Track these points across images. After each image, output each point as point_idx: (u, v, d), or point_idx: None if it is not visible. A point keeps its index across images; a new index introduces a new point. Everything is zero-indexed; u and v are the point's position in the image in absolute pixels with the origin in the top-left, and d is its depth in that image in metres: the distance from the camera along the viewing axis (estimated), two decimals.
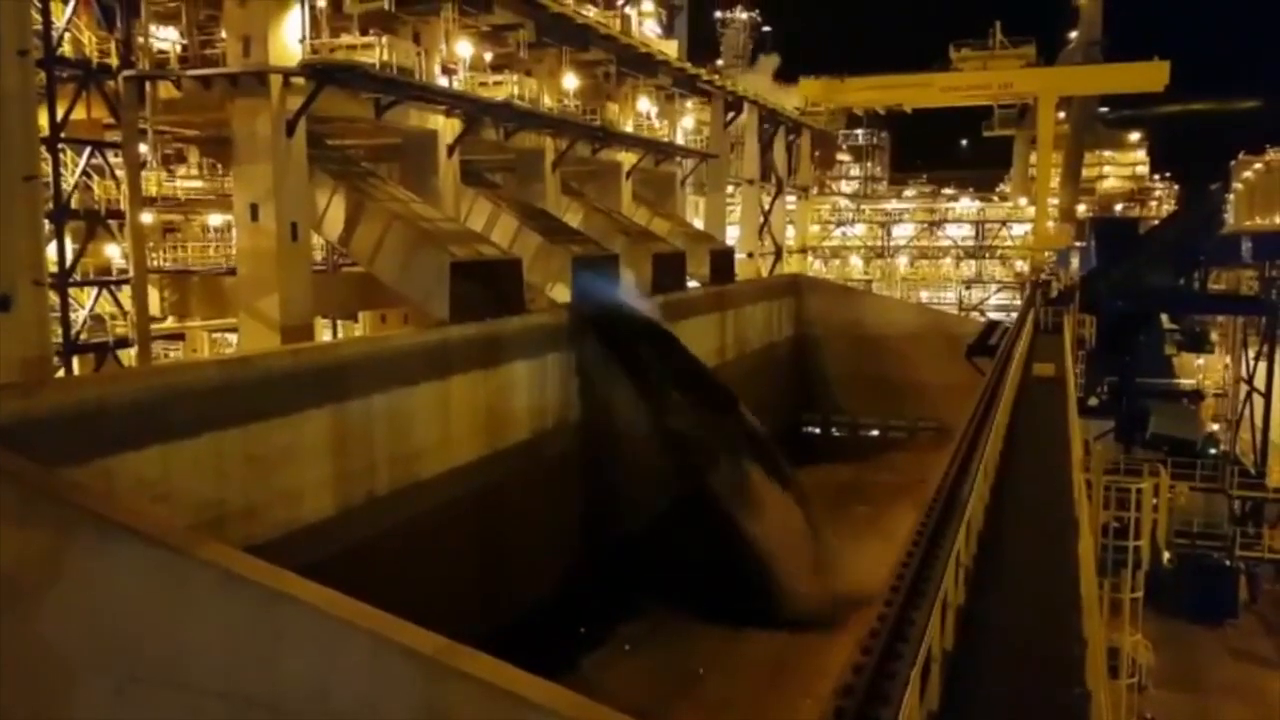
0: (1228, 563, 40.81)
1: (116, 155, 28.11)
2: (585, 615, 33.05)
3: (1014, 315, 57.65)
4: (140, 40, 29.61)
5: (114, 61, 28.22)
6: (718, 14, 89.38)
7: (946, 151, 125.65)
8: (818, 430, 62.10)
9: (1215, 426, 59.37)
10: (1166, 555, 33.62)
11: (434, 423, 29.28)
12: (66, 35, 26.28)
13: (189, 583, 14.99)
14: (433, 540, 28.26)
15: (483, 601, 29.94)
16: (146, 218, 30.48)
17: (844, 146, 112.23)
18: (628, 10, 52.09)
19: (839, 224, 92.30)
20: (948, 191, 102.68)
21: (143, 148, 30.59)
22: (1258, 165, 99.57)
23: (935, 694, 10.50)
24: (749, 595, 32.83)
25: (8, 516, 15.79)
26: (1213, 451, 49.69)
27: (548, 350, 34.93)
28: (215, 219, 39.72)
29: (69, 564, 15.54)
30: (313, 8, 30.11)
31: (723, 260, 56.10)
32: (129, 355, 28.29)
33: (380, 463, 27.15)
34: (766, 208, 71.76)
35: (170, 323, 35.72)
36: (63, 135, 26.22)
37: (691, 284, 51.66)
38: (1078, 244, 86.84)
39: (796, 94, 75.34)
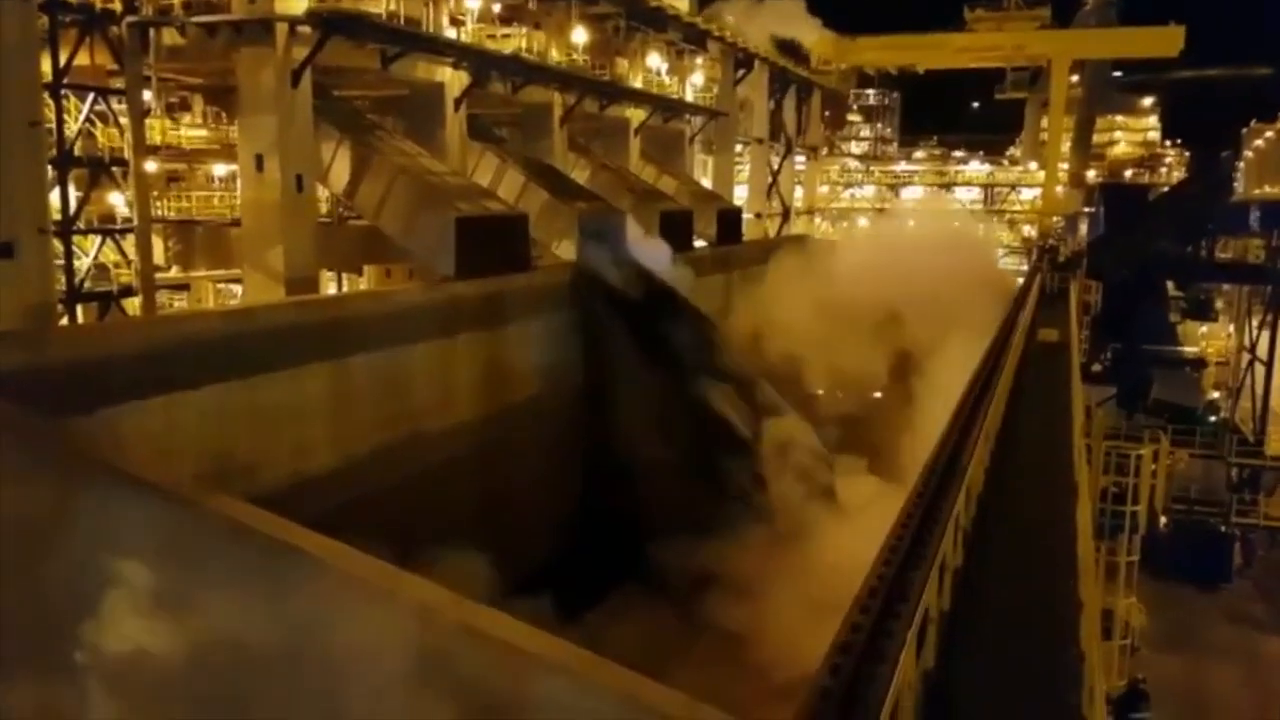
0: (1223, 528, 41.08)
1: (120, 102, 27.95)
2: (587, 571, 33.17)
3: (1020, 280, 57.46)
4: None
5: (117, 7, 27.96)
6: None
7: (957, 114, 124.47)
8: (821, 391, 62.00)
9: (1216, 394, 59.37)
10: (1163, 520, 33.81)
11: (438, 379, 29.30)
12: None
13: (195, 534, 15.07)
14: (435, 495, 28.35)
15: (486, 555, 30.07)
16: (150, 166, 30.37)
17: (854, 107, 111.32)
18: None
19: (847, 185, 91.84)
20: (957, 154, 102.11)
21: (147, 95, 30.39)
22: (1269, 133, 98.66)
23: (931, 653, 10.59)
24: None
25: (12, 468, 15.84)
26: (1213, 419, 49.78)
27: (553, 308, 34.87)
28: (220, 169, 39.52)
29: (75, 516, 15.59)
30: None
31: (730, 220, 55.84)
32: (133, 304, 28.29)
33: (384, 418, 27.19)
34: (775, 168, 71.34)
35: (174, 272, 35.68)
36: (66, 81, 26.03)
37: (699, 243, 51.47)
38: (1086, 210, 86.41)
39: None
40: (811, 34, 72.76)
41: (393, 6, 31.07)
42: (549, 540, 33.28)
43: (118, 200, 28.48)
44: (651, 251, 39.12)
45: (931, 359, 38.77)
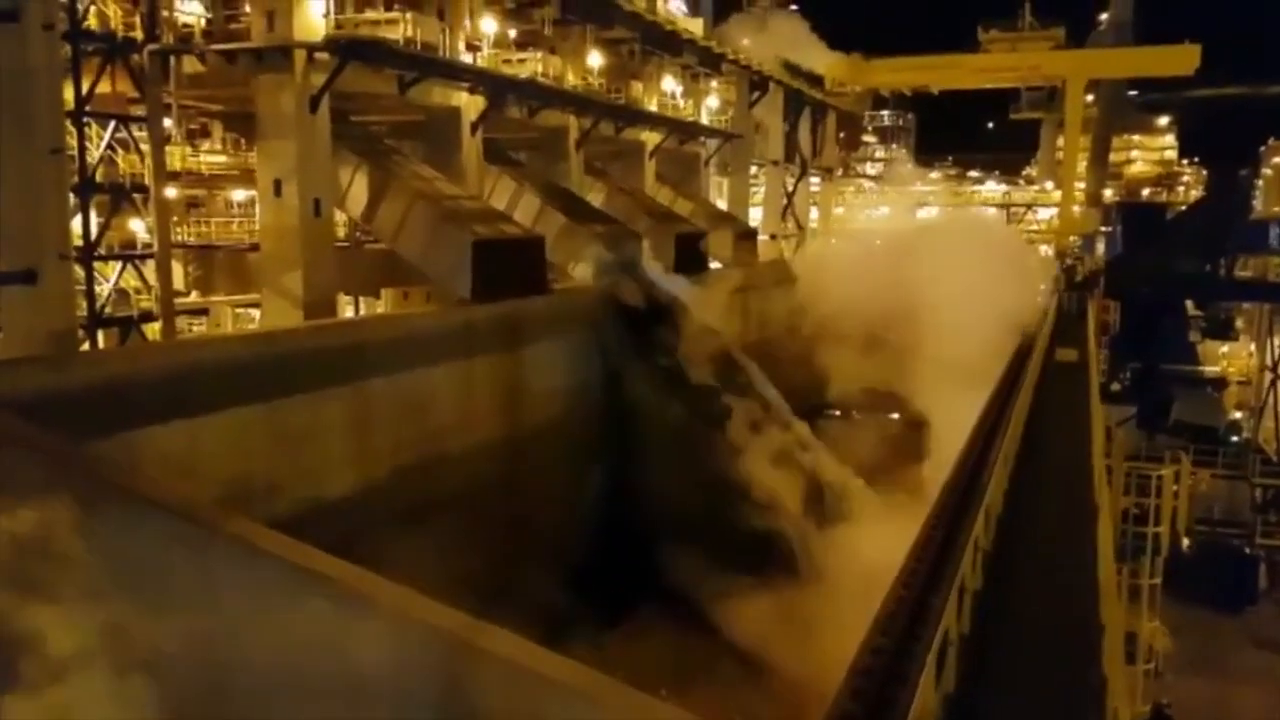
0: (1248, 550, 40.65)
1: (141, 129, 28.16)
2: (607, 593, 33.06)
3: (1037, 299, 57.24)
4: (165, 14, 29.62)
5: (139, 35, 28.22)
6: None
7: (972, 134, 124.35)
8: (838, 413, 61.95)
9: (1238, 414, 58.94)
10: (1186, 542, 33.49)
11: (457, 402, 29.33)
12: (91, 9, 26.30)
13: (212, 556, 15.11)
14: (455, 518, 28.33)
15: (505, 579, 30.02)
16: (170, 192, 30.61)
17: (870, 128, 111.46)
18: None
19: (863, 207, 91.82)
20: (973, 174, 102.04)
21: (167, 122, 30.67)
22: None
23: (951, 677, 10.52)
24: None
25: (34, 490, 15.91)
26: (1235, 439, 49.41)
27: (570, 330, 34.92)
28: (239, 194, 39.82)
29: (94, 538, 15.65)
30: None
31: (746, 241, 55.92)
32: (153, 329, 28.46)
33: (403, 441, 27.23)
34: (790, 189, 71.37)
35: (194, 297, 35.87)
36: (88, 109, 26.23)
37: (714, 265, 51.53)
38: (1104, 229, 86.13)
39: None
40: (817, 56, 72.68)
41: (410, 33, 31.30)
42: (570, 557, 33.21)
43: (138, 226, 28.67)
44: (667, 277, 39.41)
45: None
